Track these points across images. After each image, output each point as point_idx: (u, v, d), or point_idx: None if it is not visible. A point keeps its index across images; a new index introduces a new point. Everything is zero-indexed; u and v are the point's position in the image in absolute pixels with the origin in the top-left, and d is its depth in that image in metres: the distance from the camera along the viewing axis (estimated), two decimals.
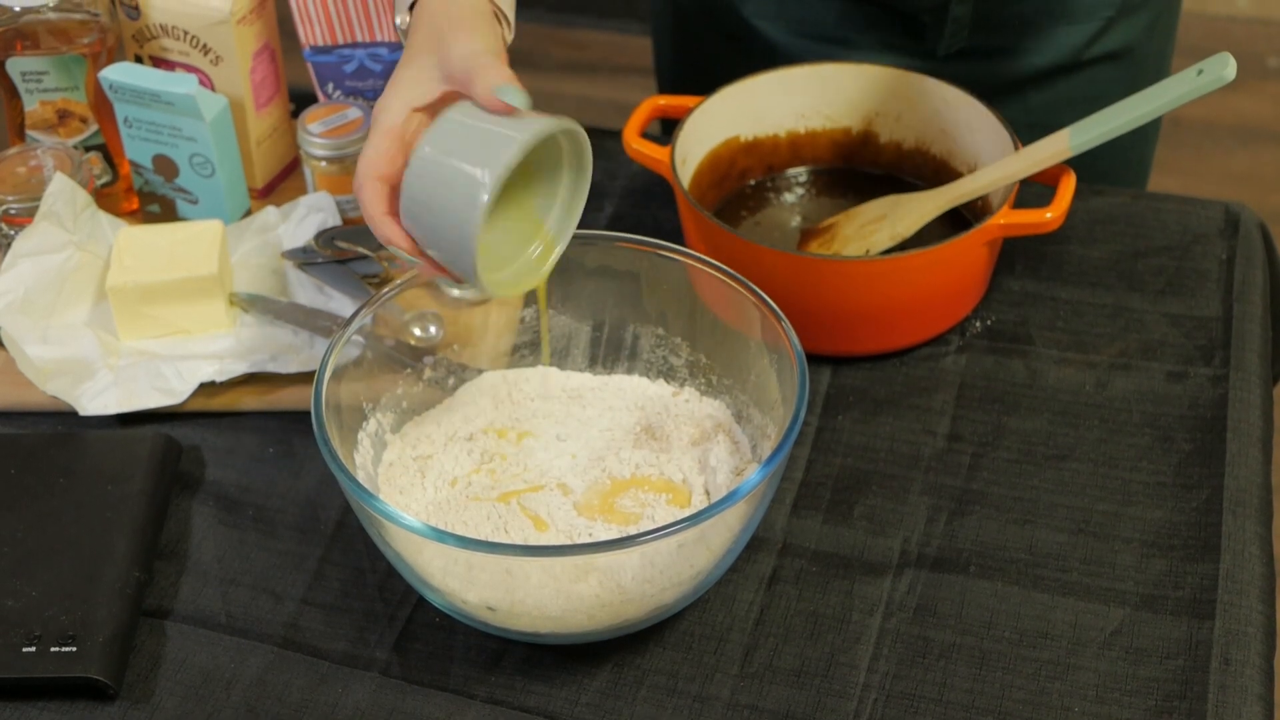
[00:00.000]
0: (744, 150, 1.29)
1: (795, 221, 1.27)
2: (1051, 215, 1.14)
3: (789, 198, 1.30)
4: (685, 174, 1.23)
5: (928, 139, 1.28)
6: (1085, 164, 1.22)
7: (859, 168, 1.32)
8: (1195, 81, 1.10)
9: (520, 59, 3.29)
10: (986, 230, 1.14)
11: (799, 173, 1.32)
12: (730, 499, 0.93)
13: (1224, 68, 1.08)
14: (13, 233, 1.20)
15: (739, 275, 1.05)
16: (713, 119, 1.26)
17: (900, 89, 1.27)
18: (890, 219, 1.22)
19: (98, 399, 1.14)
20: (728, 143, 1.28)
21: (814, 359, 1.16)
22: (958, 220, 1.23)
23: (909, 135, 1.29)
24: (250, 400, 1.15)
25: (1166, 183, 1.51)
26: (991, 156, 1.22)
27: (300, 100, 1.35)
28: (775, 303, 1.03)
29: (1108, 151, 1.22)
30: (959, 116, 1.25)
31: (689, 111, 1.24)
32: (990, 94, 1.28)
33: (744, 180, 1.31)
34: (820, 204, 1.29)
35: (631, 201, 1.32)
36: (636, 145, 1.22)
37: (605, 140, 1.39)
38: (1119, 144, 1.20)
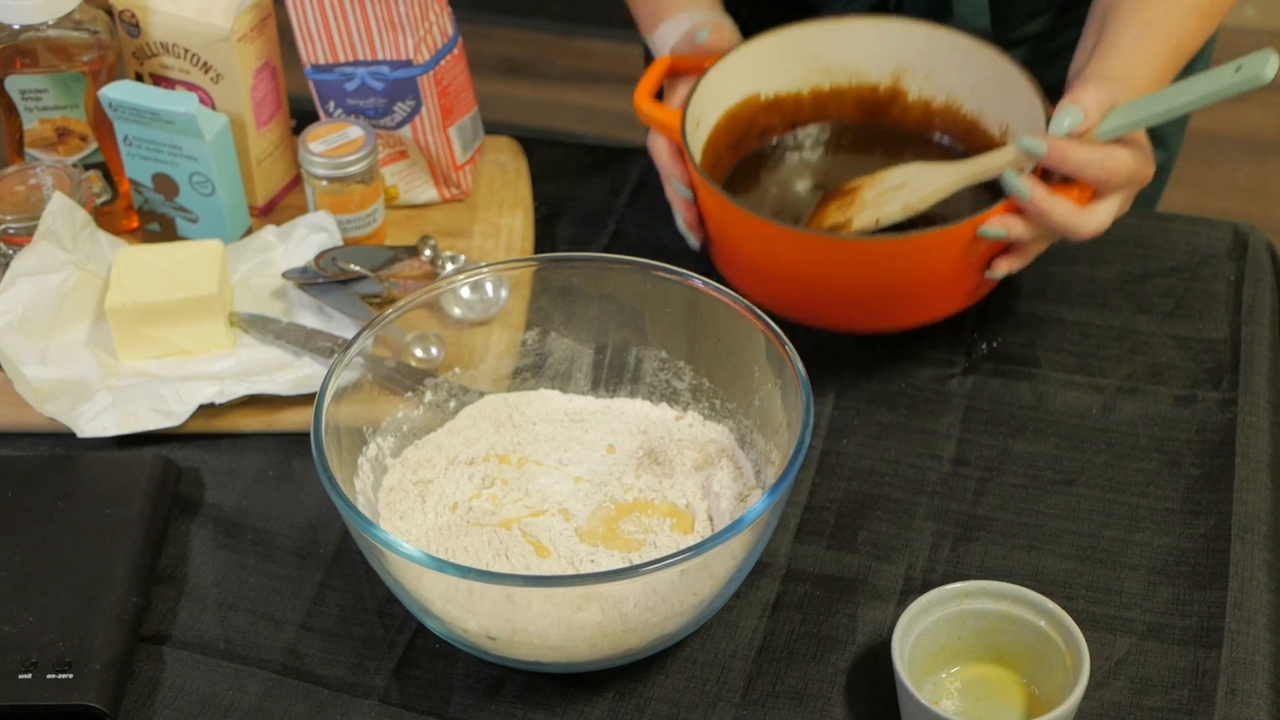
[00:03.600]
0: (765, 109, 1.24)
1: (817, 182, 1.22)
2: (1078, 195, 1.09)
3: (811, 156, 1.25)
4: (699, 137, 1.18)
5: (959, 98, 1.23)
6: None
7: (886, 125, 1.25)
8: (1232, 79, 1.05)
9: (523, 68, 3.29)
10: (1009, 205, 1.09)
11: (823, 130, 1.26)
12: (735, 527, 0.92)
13: (1263, 66, 1.03)
14: (11, 252, 1.19)
15: (743, 299, 1.04)
16: (731, 78, 1.20)
17: (930, 45, 1.22)
18: (909, 189, 1.17)
19: (96, 420, 1.13)
20: (747, 101, 1.23)
21: (821, 360, 1.14)
22: (995, 190, 1.16)
23: (939, 93, 1.23)
24: (250, 422, 1.15)
25: (1173, 195, 1.51)
26: (1021, 121, 1.17)
27: (303, 116, 1.34)
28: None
29: None
30: (991, 76, 1.19)
31: (705, 71, 1.18)
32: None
33: (765, 139, 1.25)
34: (844, 162, 1.23)
35: (634, 220, 1.31)
36: (646, 108, 1.17)
37: (608, 152, 1.39)
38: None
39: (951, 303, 1.16)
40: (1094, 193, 1.10)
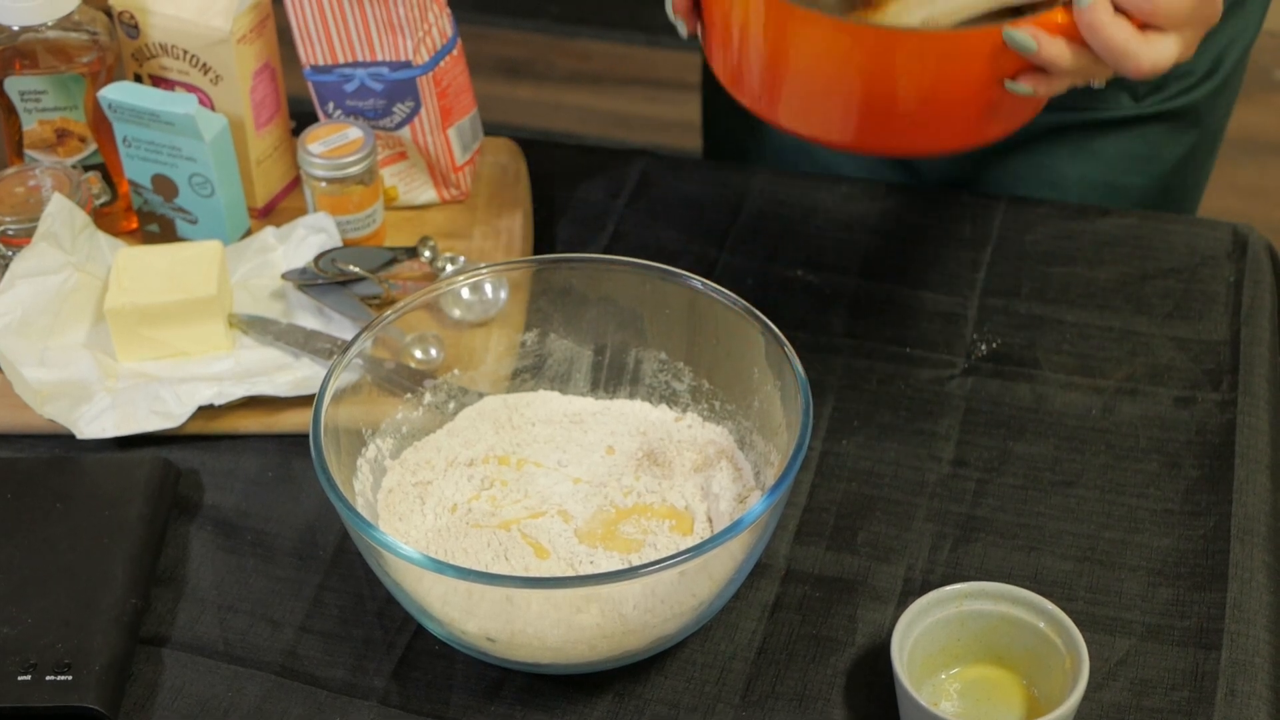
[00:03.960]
0: None
1: (843, 3, 1.10)
2: None
3: None
4: None
5: None
6: (1139, 187, 1.17)
7: None
8: None
9: (523, 69, 3.29)
10: (1048, 20, 0.97)
11: None
12: (734, 529, 0.92)
13: None
14: (10, 254, 1.19)
15: (742, 301, 1.04)
16: None
17: None
18: (934, 2, 1.05)
19: (95, 422, 1.13)
20: None
21: (821, 360, 1.15)
22: None
23: None
24: (250, 423, 1.15)
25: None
26: None
27: (302, 117, 1.34)
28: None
29: (1165, 175, 1.17)
30: None
31: None
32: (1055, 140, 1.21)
33: None
34: None
35: (634, 221, 1.31)
36: None
37: (608, 153, 1.39)
38: (1178, 167, 1.14)
39: (963, 129, 1.03)
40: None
